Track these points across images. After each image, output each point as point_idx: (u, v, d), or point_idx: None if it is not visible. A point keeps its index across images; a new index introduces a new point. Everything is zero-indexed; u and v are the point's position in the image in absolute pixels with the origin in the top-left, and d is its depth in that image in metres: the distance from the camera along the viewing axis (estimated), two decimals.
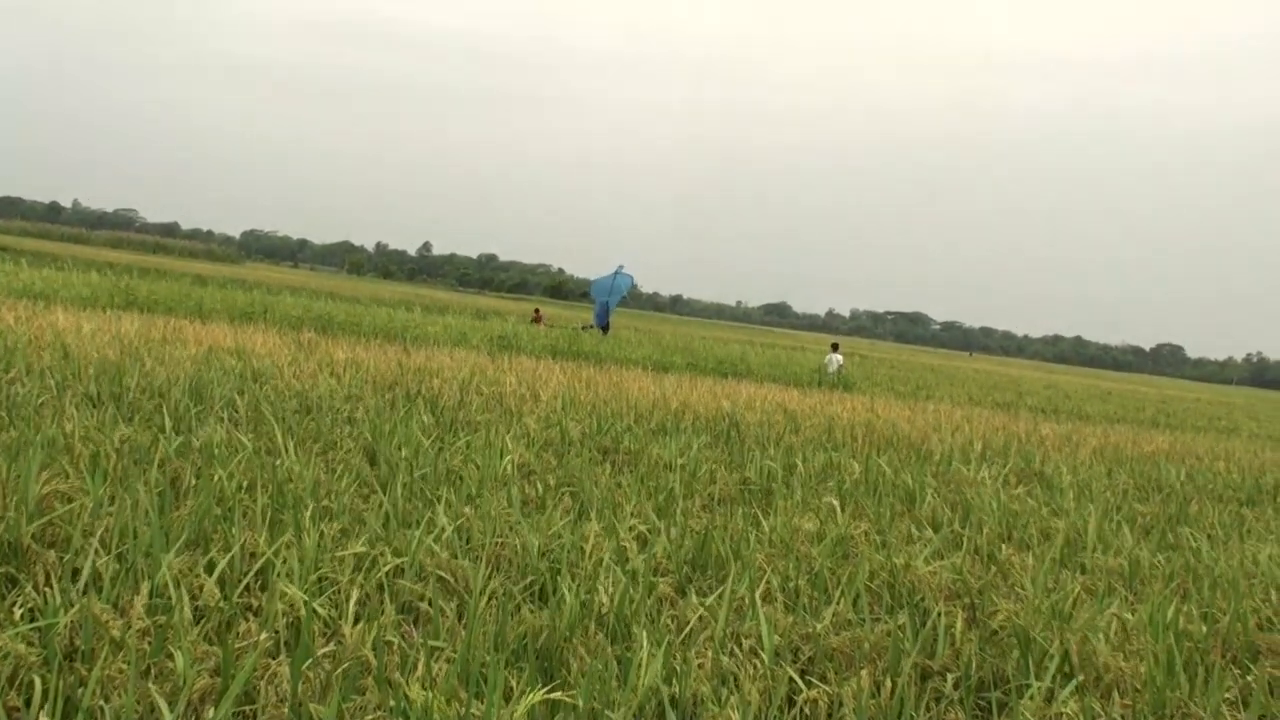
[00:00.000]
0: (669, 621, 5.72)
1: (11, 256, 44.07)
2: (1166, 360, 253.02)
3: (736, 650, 5.38)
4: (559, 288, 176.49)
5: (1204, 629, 6.53)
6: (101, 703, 4.04)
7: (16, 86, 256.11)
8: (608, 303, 39.46)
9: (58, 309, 19.18)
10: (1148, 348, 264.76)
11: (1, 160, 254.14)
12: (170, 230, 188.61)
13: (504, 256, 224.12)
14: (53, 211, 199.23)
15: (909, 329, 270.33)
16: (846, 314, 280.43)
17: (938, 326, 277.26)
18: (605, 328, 38.27)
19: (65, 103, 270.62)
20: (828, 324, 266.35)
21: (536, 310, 47.47)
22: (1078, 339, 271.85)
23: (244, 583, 5.39)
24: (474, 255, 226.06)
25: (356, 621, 5.04)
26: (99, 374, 11.10)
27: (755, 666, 5.19)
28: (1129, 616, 6.50)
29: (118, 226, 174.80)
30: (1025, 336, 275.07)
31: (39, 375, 10.63)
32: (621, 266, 39.80)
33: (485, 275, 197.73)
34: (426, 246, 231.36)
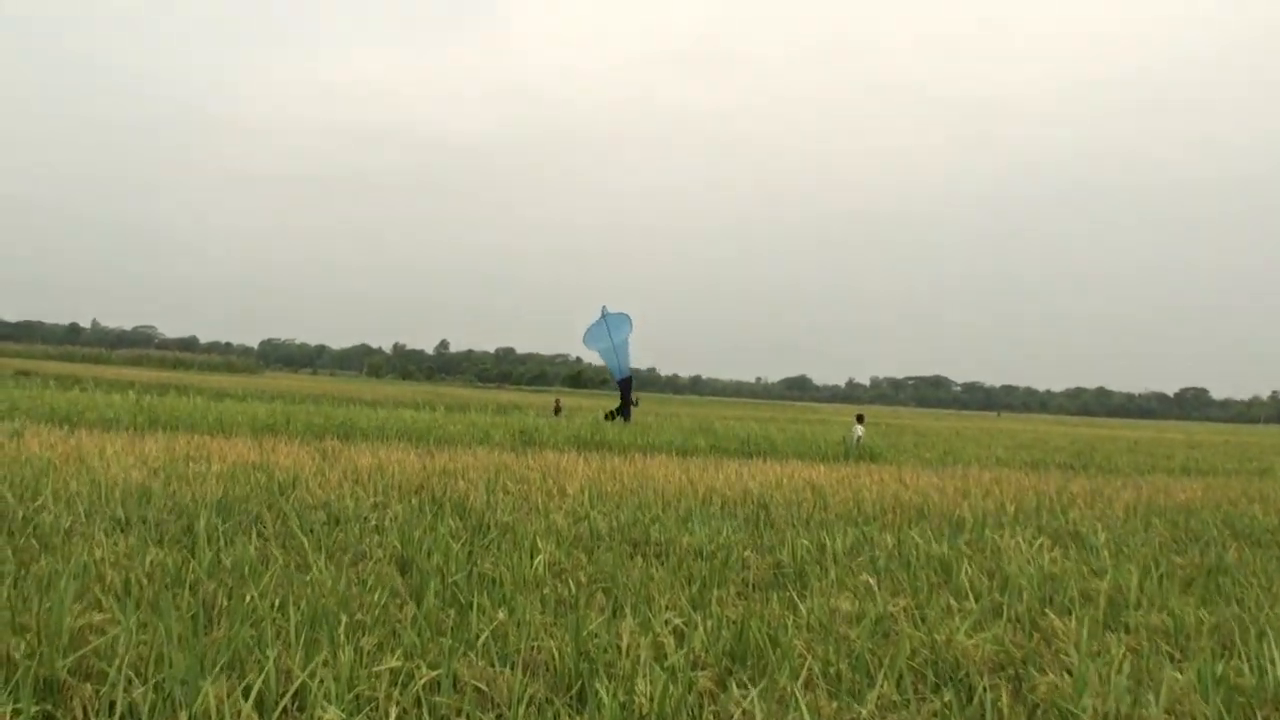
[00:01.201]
0: (711, 718, 5.64)
1: (36, 380, 44.42)
2: (1192, 404, 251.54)
3: None
4: (578, 377, 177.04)
5: (1254, 682, 6.42)
6: None
7: (29, 210, 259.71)
8: (613, 351, 35.54)
9: (82, 432, 19.32)
10: (1172, 393, 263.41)
11: (20, 285, 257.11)
12: (189, 344, 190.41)
13: (521, 349, 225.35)
14: (73, 333, 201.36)
15: (931, 393, 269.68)
16: (867, 382, 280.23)
17: (959, 388, 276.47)
18: (626, 406, 35.77)
19: (78, 224, 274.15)
20: (849, 394, 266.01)
21: (557, 401, 47.56)
22: (1100, 390, 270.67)
23: (281, 705, 5.35)
24: (491, 350, 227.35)
25: None
26: (126, 497, 11.14)
27: None
28: (1178, 676, 6.40)
29: (137, 344, 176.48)
30: (1048, 391, 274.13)
31: (66, 501, 10.67)
32: (605, 307, 35.86)
33: (504, 369, 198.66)
34: (444, 345, 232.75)
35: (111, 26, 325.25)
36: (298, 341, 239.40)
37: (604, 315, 35.52)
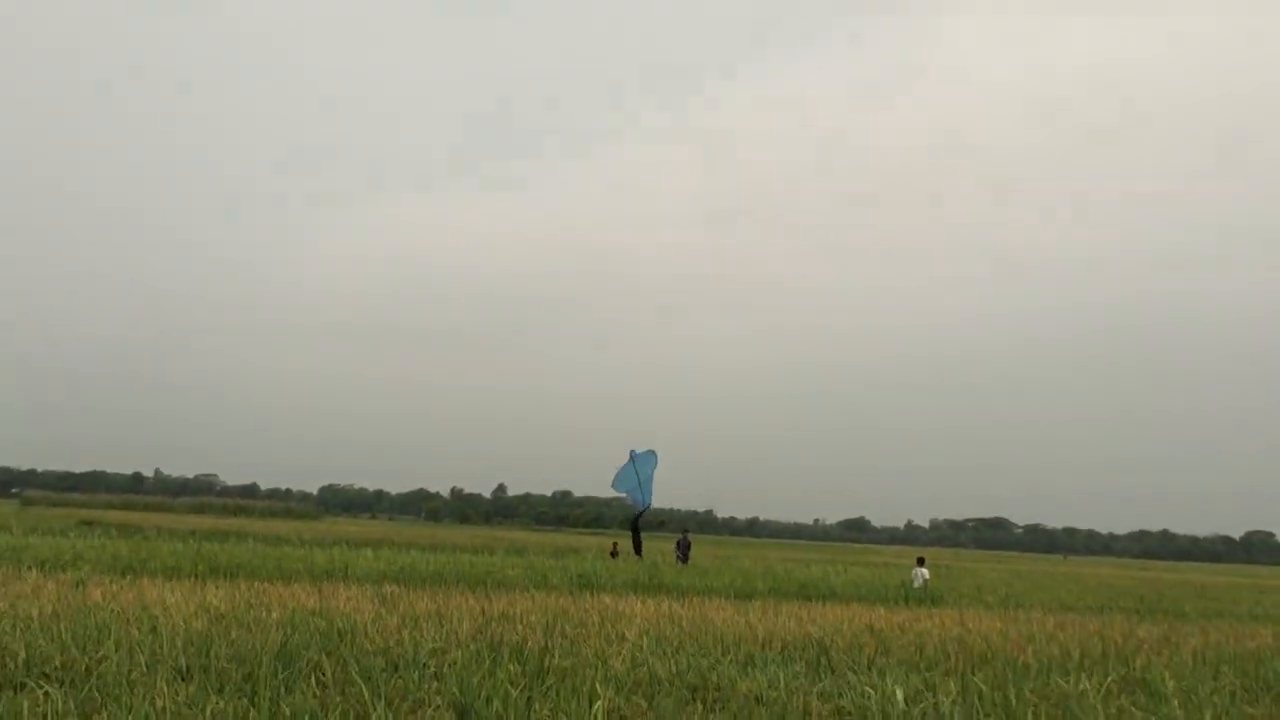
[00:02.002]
0: None
1: (100, 529, 44.92)
2: (1259, 548, 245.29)
3: None
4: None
5: None
6: None
7: (94, 365, 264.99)
8: (639, 488, 37.56)
9: (144, 580, 19.45)
10: (1238, 536, 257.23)
11: (86, 436, 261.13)
12: (250, 491, 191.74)
13: (578, 492, 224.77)
14: (136, 482, 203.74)
15: (991, 535, 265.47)
16: (926, 524, 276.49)
17: (1020, 530, 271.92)
18: (638, 534, 37.95)
19: (143, 376, 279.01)
20: (908, 535, 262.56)
21: (615, 544, 47.37)
22: (1164, 532, 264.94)
23: None
24: (548, 493, 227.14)
25: None
26: (187, 645, 11.17)
27: None
28: None
29: (199, 492, 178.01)
30: (1111, 534, 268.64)
31: (129, 650, 10.72)
32: (633, 451, 38.12)
33: (561, 512, 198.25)
34: (501, 488, 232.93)
35: (158, 185, 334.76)
36: (356, 487, 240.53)
37: (632, 458, 37.70)
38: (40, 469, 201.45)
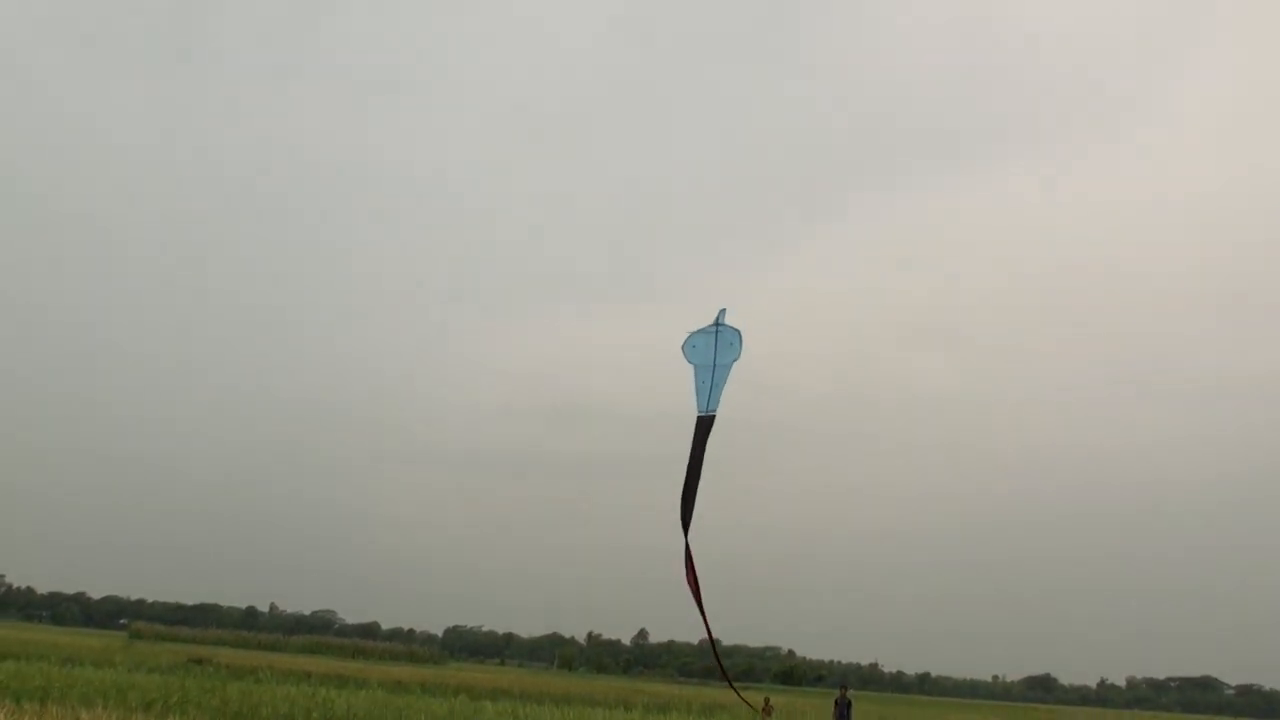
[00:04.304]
0: None
1: (209, 669, 45.88)
2: None
3: None
4: (790, 673, 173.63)
5: None
6: None
7: (207, 493, 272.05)
8: (710, 371, 27.65)
9: None
10: None
11: (199, 567, 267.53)
12: (370, 631, 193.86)
13: (727, 640, 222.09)
14: (250, 617, 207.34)
15: (1199, 696, 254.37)
16: (1122, 683, 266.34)
17: (1232, 691, 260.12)
18: (700, 452, 26.42)
19: (258, 505, 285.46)
20: (1100, 696, 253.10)
21: (766, 700, 46.65)
22: None
23: None
24: (694, 641, 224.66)
25: None
26: None
27: None
28: None
29: (315, 629, 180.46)
30: None
31: None
32: (723, 311, 28.46)
33: (708, 663, 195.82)
34: (642, 634, 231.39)
35: (253, 331, 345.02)
36: (484, 629, 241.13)
37: (719, 322, 28.76)
38: (150, 599, 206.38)
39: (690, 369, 31.02)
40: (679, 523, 28.06)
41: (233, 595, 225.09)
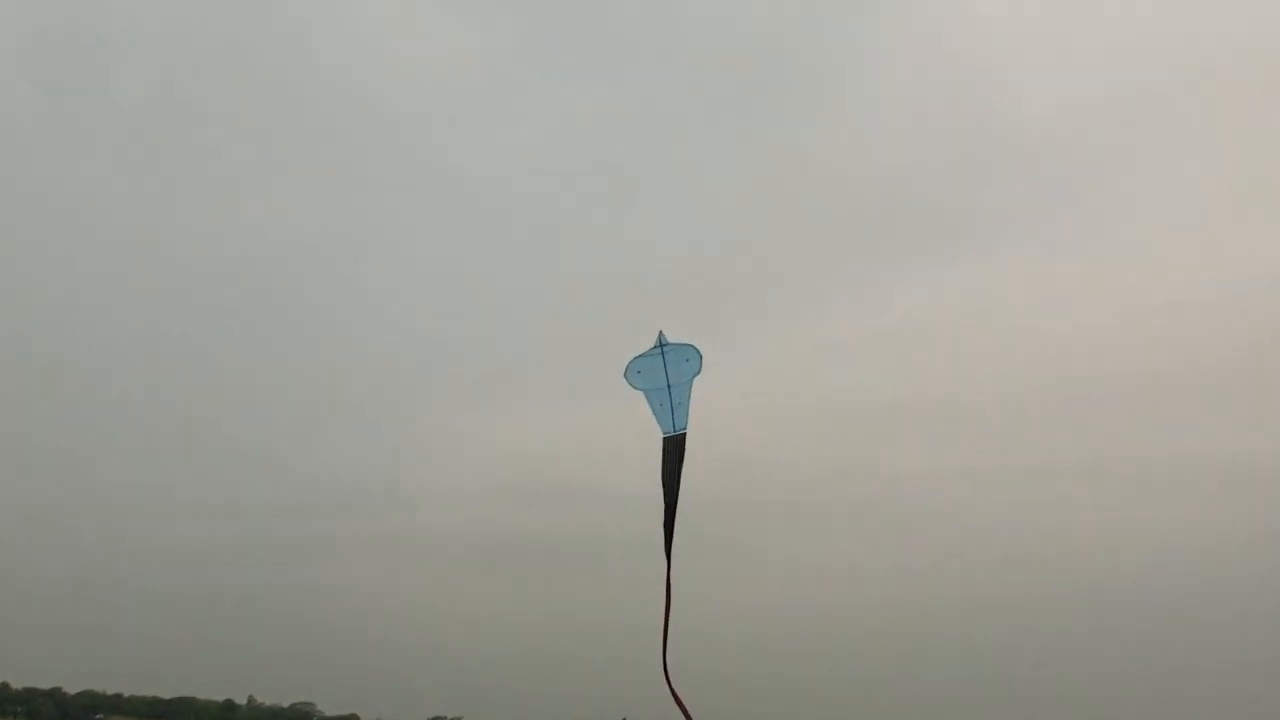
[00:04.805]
0: None
1: None
2: None
3: None
4: None
5: None
6: None
7: (183, 584, 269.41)
8: (666, 392, 27.86)
9: None
10: None
11: (175, 657, 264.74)
12: None
13: None
14: (227, 710, 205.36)
15: None
16: None
17: None
18: (675, 475, 27.88)
19: (234, 597, 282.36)
20: None
21: None
22: None
23: None
24: None
25: None
26: None
27: None
28: None
29: None
30: None
31: None
32: (662, 333, 28.67)
33: None
34: None
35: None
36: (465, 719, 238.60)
37: (661, 344, 28.80)
38: (126, 693, 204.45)
39: (641, 394, 30.26)
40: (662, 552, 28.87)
41: (209, 688, 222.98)
